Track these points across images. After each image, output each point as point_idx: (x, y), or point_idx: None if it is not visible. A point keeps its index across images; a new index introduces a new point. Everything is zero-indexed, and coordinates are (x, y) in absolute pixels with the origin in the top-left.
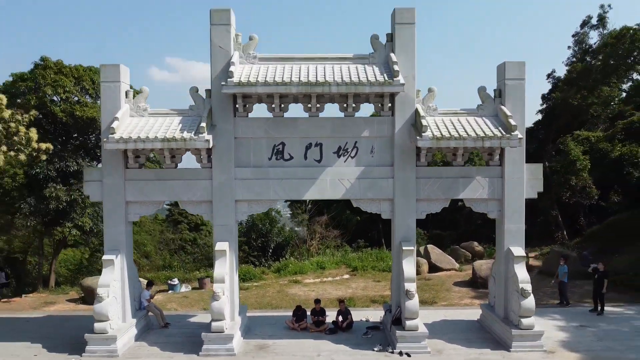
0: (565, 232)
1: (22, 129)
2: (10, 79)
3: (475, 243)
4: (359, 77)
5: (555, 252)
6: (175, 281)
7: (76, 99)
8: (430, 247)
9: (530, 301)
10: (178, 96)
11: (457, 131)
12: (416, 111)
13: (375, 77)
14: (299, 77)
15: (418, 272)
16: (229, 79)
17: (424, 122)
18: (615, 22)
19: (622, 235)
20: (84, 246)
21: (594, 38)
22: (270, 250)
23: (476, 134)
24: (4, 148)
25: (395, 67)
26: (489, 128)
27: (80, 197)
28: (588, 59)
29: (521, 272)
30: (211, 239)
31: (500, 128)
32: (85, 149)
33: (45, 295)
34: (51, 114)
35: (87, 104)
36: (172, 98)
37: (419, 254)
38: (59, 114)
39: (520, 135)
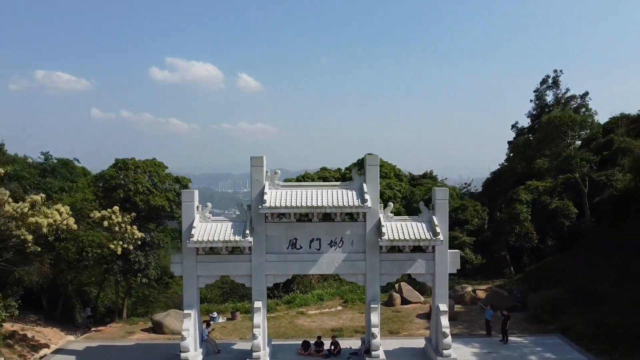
0: (512, 269)
1: (129, 227)
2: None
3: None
4: (343, 201)
5: (494, 291)
6: (215, 314)
7: (147, 189)
8: (403, 284)
9: (448, 340)
10: (178, 96)
11: (404, 233)
12: (379, 220)
13: (353, 201)
14: (306, 202)
15: (392, 304)
16: (263, 204)
17: (383, 229)
18: (567, 83)
19: (551, 273)
20: (150, 288)
21: (549, 96)
22: (282, 284)
23: (415, 237)
24: (120, 242)
25: (366, 196)
26: (424, 231)
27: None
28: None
29: (444, 320)
30: None
31: (431, 232)
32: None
33: (121, 325)
34: (133, 203)
35: (157, 193)
36: (172, 98)
37: (394, 290)
38: (139, 202)
39: (442, 238)
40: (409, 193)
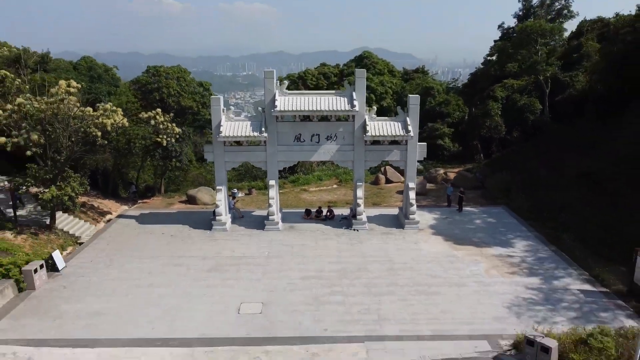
0: (482, 156)
1: (169, 124)
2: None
3: (418, 164)
4: (336, 106)
5: (461, 173)
6: (235, 190)
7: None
8: (387, 167)
9: (413, 208)
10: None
11: (384, 131)
12: (364, 120)
13: (345, 106)
14: (308, 107)
15: (378, 183)
16: (275, 108)
17: (367, 127)
18: None
19: (510, 161)
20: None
21: None
22: (288, 168)
23: (392, 133)
24: (164, 136)
25: (354, 102)
26: (399, 129)
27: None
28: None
29: (412, 194)
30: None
31: (404, 130)
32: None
33: (161, 199)
34: (166, 103)
35: (185, 96)
36: None
37: (380, 172)
38: (172, 103)
39: (412, 134)
40: (400, 88)
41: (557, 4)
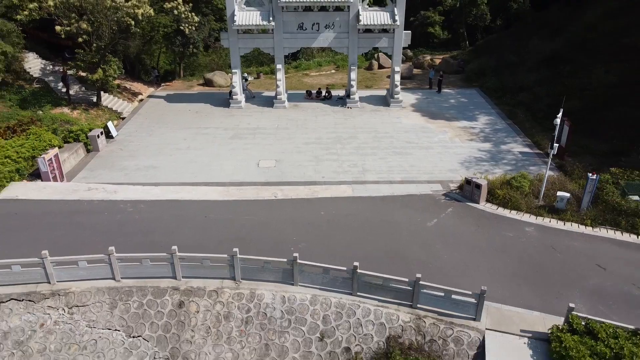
0: (467, 43)
1: (189, 14)
2: None
3: (409, 50)
4: None
5: (445, 60)
6: (246, 75)
7: None
8: (381, 54)
9: (398, 89)
10: None
11: (375, 20)
12: (358, 10)
13: None
14: None
15: (371, 69)
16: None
17: (360, 17)
18: None
19: (490, 47)
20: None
21: None
22: (291, 54)
23: (382, 22)
24: (186, 25)
25: None
26: (388, 18)
27: (200, 35)
28: None
29: (397, 77)
30: None
31: (392, 19)
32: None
33: (181, 82)
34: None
35: None
36: None
37: (374, 59)
38: None
39: (398, 24)
40: None
41: None
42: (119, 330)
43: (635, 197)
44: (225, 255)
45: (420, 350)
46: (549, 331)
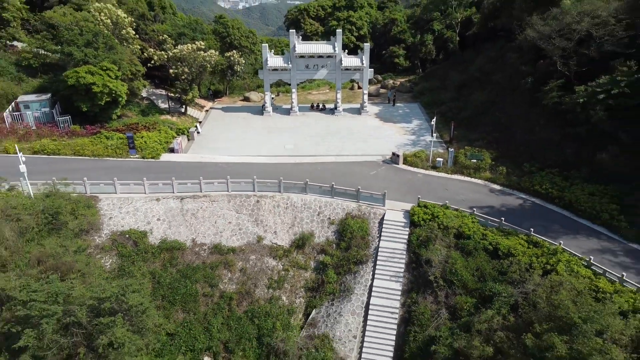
0: (420, 70)
1: (239, 59)
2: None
3: (379, 76)
4: (326, 50)
5: (402, 83)
6: (272, 94)
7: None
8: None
9: (366, 104)
10: None
11: (351, 63)
12: (341, 57)
13: (330, 50)
14: (312, 51)
15: (353, 89)
16: (295, 51)
17: (343, 61)
18: None
19: (434, 74)
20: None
21: None
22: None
23: (355, 65)
24: (238, 65)
25: (336, 48)
26: (360, 61)
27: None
28: None
29: (365, 97)
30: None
31: (361, 62)
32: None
33: (227, 99)
34: (232, 44)
35: (243, 39)
36: None
37: (354, 82)
38: (236, 44)
39: (365, 65)
40: (374, 19)
41: None
42: (231, 211)
43: (474, 160)
44: (276, 180)
45: (359, 217)
46: (411, 208)
